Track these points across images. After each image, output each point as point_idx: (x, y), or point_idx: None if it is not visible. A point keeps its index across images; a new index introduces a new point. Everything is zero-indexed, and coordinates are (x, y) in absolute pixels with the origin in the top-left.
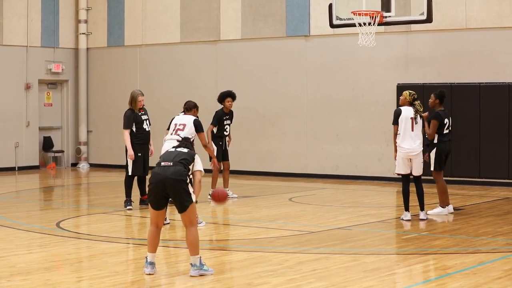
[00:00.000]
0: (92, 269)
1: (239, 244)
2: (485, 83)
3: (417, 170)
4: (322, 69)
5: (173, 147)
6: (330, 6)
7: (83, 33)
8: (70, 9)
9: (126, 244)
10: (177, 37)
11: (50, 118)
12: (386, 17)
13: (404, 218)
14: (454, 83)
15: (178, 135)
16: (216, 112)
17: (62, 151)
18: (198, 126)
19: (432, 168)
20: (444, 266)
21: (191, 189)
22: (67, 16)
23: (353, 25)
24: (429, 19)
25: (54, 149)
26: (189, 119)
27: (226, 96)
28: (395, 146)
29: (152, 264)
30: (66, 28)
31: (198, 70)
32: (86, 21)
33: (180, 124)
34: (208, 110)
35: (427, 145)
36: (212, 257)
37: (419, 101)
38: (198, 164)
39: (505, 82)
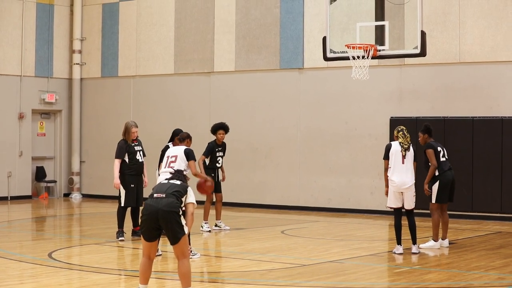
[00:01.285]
0: None
1: (230, 277)
2: (479, 117)
3: (409, 204)
4: (316, 102)
5: (166, 179)
6: (324, 39)
7: (77, 63)
8: (64, 39)
9: (118, 275)
10: (171, 68)
11: (43, 148)
12: (380, 50)
13: (396, 252)
14: (447, 116)
15: (172, 167)
16: (209, 143)
17: (54, 181)
18: (189, 155)
19: (433, 200)
20: None
21: (183, 221)
22: (61, 46)
23: (347, 58)
24: (423, 53)
25: (46, 179)
26: (180, 149)
27: (219, 128)
28: (386, 181)
29: None
30: (60, 58)
31: (192, 102)
32: (80, 51)
33: (172, 156)
34: (201, 141)
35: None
36: None
37: (401, 132)
38: (191, 197)
39: (498, 116)
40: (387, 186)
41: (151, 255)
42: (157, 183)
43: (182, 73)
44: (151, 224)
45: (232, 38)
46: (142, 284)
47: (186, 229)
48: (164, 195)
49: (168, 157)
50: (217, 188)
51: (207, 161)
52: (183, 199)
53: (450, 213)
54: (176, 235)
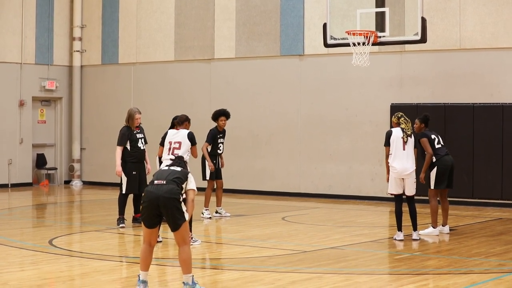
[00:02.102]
0: (84, 287)
1: (231, 263)
2: (479, 103)
3: (410, 190)
4: (316, 89)
5: (167, 165)
6: (325, 25)
7: (77, 51)
8: (64, 26)
9: (119, 262)
10: (171, 55)
11: (43, 135)
12: (380, 37)
13: (397, 238)
14: (447, 103)
15: (176, 154)
16: (210, 130)
17: (55, 169)
18: (192, 139)
19: (431, 186)
20: (437, 287)
21: (184, 208)
22: (61, 34)
23: (347, 44)
24: (423, 39)
25: (47, 166)
26: (183, 134)
27: (220, 114)
28: (387, 167)
29: (144, 282)
30: (60, 45)
31: (192, 89)
32: (80, 39)
33: (175, 143)
34: (202, 128)
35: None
36: (204, 276)
37: (402, 118)
38: (191, 183)
39: (499, 103)
40: (388, 172)
41: (152, 241)
42: (158, 169)
43: (182, 60)
44: (152, 211)
45: (233, 25)
46: (143, 271)
47: (186, 216)
48: (164, 182)
49: (171, 142)
50: (218, 175)
51: (209, 148)
52: (183, 186)
53: (451, 199)
54: (176, 222)
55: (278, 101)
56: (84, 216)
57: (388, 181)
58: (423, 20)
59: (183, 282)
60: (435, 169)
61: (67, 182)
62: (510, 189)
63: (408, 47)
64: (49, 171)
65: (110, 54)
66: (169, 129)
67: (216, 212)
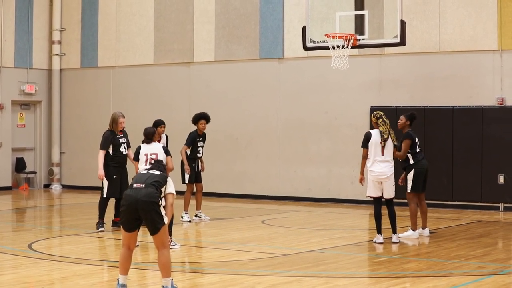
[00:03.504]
0: None
1: (211, 267)
2: (458, 106)
3: (389, 193)
4: (295, 92)
5: (146, 169)
6: (304, 28)
7: (56, 54)
8: (44, 30)
9: (98, 266)
10: (150, 58)
11: (23, 139)
12: (359, 40)
13: (377, 241)
14: (427, 106)
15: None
16: (190, 133)
17: (34, 172)
18: (167, 151)
19: (408, 190)
20: None
21: (163, 211)
22: (40, 37)
23: (327, 47)
24: (402, 42)
25: (26, 170)
26: (157, 146)
27: (200, 118)
28: (362, 169)
29: (124, 286)
30: (39, 49)
31: (172, 92)
32: (59, 42)
33: (152, 154)
34: (181, 131)
35: (404, 169)
36: (184, 279)
37: (381, 120)
38: (171, 187)
39: (478, 106)
40: (362, 173)
41: (131, 245)
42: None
43: (162, 63)
44: (131, 215)
45: (212, 28)
46: (122, 275)
47: (165, 219)
48: (143, 185)
49: (147, 155)
50: (198, 178)
51: (188, 151)
52: (162, 189)
53: (430, 202)
54: (155, 225)
55: (258, 104)
56: (63, 220)
57: (361, 181)
58: (402, 23)
59: (162, 286)
60: (412, 172)
61: (47, 186)
62: (490, 191)
63: (387, 50)
64: (29, 175)
65: (89, 57)
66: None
67: (196, 215)
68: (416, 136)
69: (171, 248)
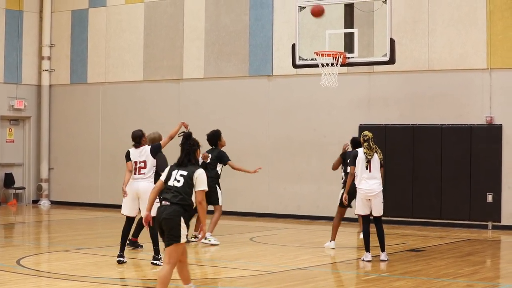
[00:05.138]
0: None
1: (199, 284)
2: (447, 124)
3: (378, 211)
4: (285, 109)
5: (176, 165)
6: (293, 46)
7: (46, 70)
8: (33, 45)
9: (87, 282)
10: (140, 75)
11: (11, 154)
12: (349, 58)
13: (365, 259)
14: (416, 124)
15: (142, 173)
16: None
17: (23, 188)
18: (155, 151)
19: (338, 204)
20: None
21: (183, 231)
22: (30, 53)
23: (316, 65)
24: (392, 60)
25: (15, 185)
26: (146, 152)
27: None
28: (348, 187)
29: None
30: (29, 64)
31: (161, 108)
32: (49, 58)
33: (140, 162)
34: (170, 148)
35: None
36: None
37: (366, 143)
38: (200, 184)
39: (467, 124)
40: (347, 191)
41: (181, 257)
42: (128, 188)
43: (151, 80)
44: (160, 229)
45: (201, 45)
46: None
47: (183, 239)
48: (169, 203)
49: (136, 162)
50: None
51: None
52: (192, 194)
53: (419, 220)
54: (169, 240)
55: (247, 121)
56: (52, 236)
57: (345, 200)
58: (392, 41)
59: None
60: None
61: (35, 202)
62: (478, 210)
63: (376, 68)
64: (17, 191)
65: (79, 73)
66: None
67: (195, 236)
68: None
69: (157, 264)
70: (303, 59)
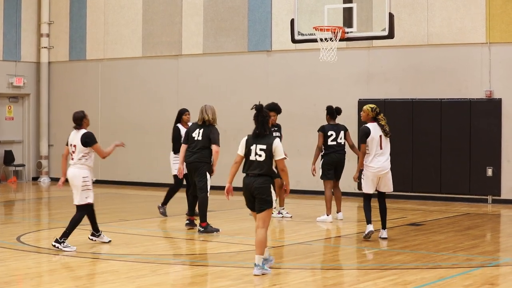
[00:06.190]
0: (52, 284)
1: (199, 259)
2: (447, 99)
3: (389, 187)
4: (284, 84)
5: (254, 135)
6: (292, 21)
7: (45, 47)
8: (32, 22)
9: (87, 258)
10: (139, 51)
11: (11, 132)
12: (347, 32)
13: (367, 231)
14: (415, 98)
15: (73, 158)
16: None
17: (23, 165)
18: (89, 141)
19: (320, 177)
20: (405, 281)
21: (273, 195)
22: (29, 30)
23: (315, 40)
24: (390, 35)
25: (15, 163)
26: (78, 137)
27: (270, 110)
28: (360, 165)
29: (258, 265)
30: (28, 41)
31: (160, 85)
32: (48, 35)
33: (72, 146)
34: (170, 124)
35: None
36: (172, 271)
37: (381, 114)
38: (278, 152)
39: (466, 98)
40: (358, 170)
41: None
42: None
43: (150, 56)
44: (248, 198)
45: (200, 21)
46: (258, 255)
47: (274, 203)
48: (257, 174)
49: (70, 145)
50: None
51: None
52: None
53: (419, 194)
54: (260, 207)
55: (246, 96)
56: (52, 212)
57: (356, 179)
58: (391, 16)
59: (254, 264)
60: (321, 161)
61: (35, 179)
62: (478, 184)
63: (375, 42)
64: (17, 168)
65: (77, 50)
66: (176, 123)
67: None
68: (336, 130)
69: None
70: (302, 34)
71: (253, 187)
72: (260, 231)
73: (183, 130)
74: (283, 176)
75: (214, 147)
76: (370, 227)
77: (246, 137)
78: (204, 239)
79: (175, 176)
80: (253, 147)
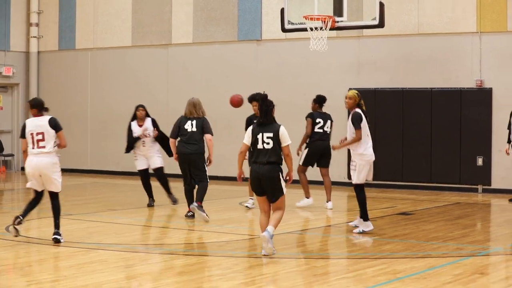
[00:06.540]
0: (42, 273)
1: (188, 248)
2: (437, 88)
3: (371, 175)
4: (274, 74)
5: (258, 125)
6: (282, 10)
7: (34, 36)
8: (21, 12)
9: (76, 248)
10: (128, 40)
11: (0, 121)
12: (338, 21)
13: (366, 230)
14: (406, 88)
15: (42, 146)
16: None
17: (12, 155)
18: (56, 126)
19: (300, 162)
20: (394, 271)
21: (283, 184)
22: (18, 19)
23: (305, 29)
24: (381, 24)
25: (4, 153)
26: (43, 121)
27: (251, 99)
28: (338, 145)
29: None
30: (17, 31)
31: (150, 74)
32: (37, 24)
33: (38, 134)
34: (159, 113)
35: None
36: (161, 261)
37: (363, 101)
38: (284, 139)
39: (457, 88)
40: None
41: (265, 209)
42: (27, 164)
43: (139, 45)
44: (257, 184)
45: (190, 10)
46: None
47: (284, 190)
48: (265, 162)
49: (32, 134)
50: None
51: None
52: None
53: (408, 184)
54: (273, 195)
55: (236, 86)
56: (41, 202)
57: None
58: (381, 5)
59: (267, 230)
60: (306, 149)
61: (24, 169)
62: (468, 173)
63: (366, 32)
64: (6, 158)
65: (67, 39)
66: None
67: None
68: (324, 118)
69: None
70: (292, 23)
71: (262, 175)
72: (278, 211)
73: (134, 127)
74: (288, 162)
75: (208, 136)
76: (370, 225)
77: (251, 127)
78: (193, 228)
79: (141, 171)
80: (259, 136)
